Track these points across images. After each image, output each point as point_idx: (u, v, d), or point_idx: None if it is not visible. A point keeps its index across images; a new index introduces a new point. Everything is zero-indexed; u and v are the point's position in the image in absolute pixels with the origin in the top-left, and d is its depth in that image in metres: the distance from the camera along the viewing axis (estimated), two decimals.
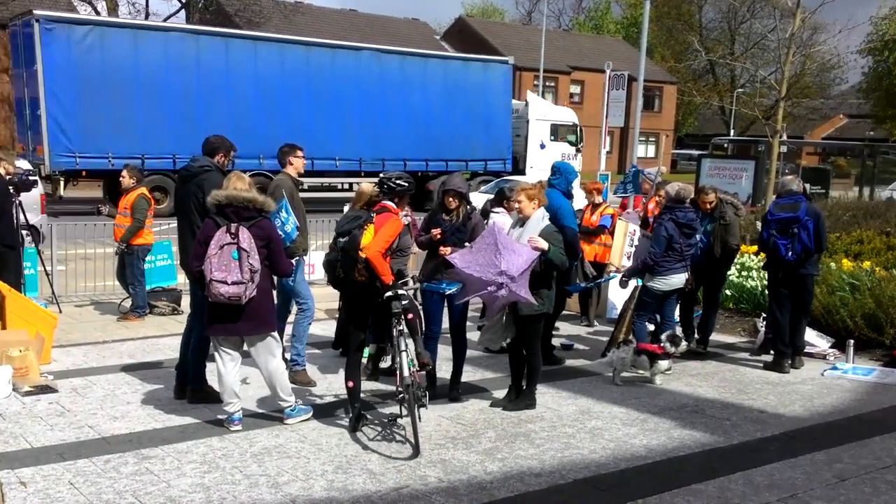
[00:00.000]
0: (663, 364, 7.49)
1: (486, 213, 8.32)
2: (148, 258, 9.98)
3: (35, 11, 18.49)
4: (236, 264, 5.61)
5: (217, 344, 5.94)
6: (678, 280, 7.80)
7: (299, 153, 7.48)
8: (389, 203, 6.27)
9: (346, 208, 9.48)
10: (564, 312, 9.22)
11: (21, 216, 8.91)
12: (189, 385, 6.60)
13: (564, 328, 9.70)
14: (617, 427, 6.29)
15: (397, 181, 6.36)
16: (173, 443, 5.66)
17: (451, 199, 6.88)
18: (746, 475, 5.35)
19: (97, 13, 36.86)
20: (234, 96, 20.19)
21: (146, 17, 38.34)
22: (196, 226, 6.47)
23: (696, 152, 45.24)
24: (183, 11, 38.79)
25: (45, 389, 6.73)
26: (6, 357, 6.73)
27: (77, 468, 5.17)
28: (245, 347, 6.05)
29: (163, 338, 8.71)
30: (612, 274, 9.95)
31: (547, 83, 45.07)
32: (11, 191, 8.72)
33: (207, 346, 6.67)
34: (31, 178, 9.57)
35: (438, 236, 6.83)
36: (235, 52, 20.83)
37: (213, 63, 20.34)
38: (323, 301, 10.12)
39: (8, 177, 8.81)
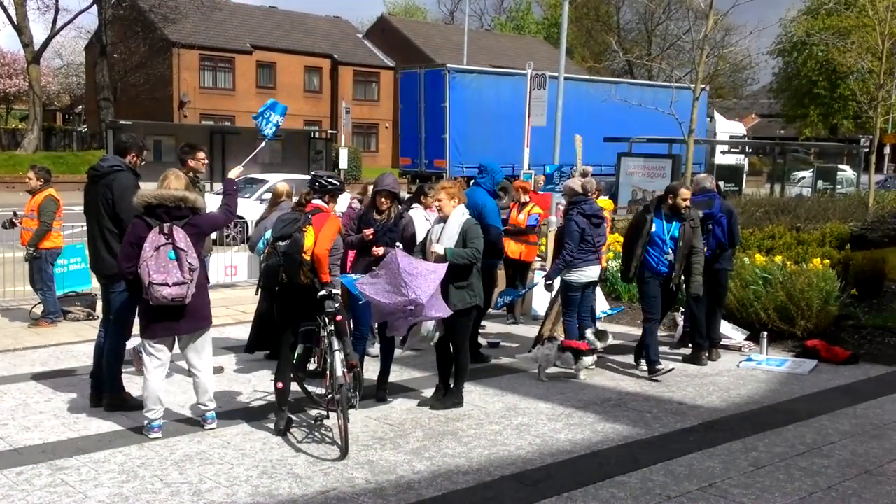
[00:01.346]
0: (587, 360, 7.62)
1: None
2: (61, 262, 9.62)
3: (448, 65, 26.93)
4: (175, 265, 5.50)
5: (148, 347, 5.76)
6: (594, 272, 7.99)
7: (199, 154, 7.33)
8: (321, 202, 6.20)
9: (262, 209, 9.36)
10: (491, 311, 9.28)
11: None
12: (105, 392, 6.38)
13: (491, 326, 9.77)
14: (543, 423, 6.37)
15: (328, 179, 6.31)
16: (89, 452, 5.47)
17: (383, 198, 6.85)
18: (667, 466, 5.49)
19: (4, 9, 35.36)
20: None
21: (56, 14, 36.96)
22: (106, 228, 6.27)
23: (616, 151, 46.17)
24: (95, 7, 37.43)
25: None
26: None
27: None
28: (174, 349, 5.90)
29: (77, 344, 8.40)
30: (538, 271, 10.11)
31: None
32: None
33: (122, 352, 6.48)
34: None
35: (371, 236, 6.79)
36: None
37: None
38: (244, 303, 9.95)
39: None
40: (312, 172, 6.56)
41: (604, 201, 9.83)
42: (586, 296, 8.15)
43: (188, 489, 4.94)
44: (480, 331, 8.72)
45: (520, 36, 65.99)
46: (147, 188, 5.96)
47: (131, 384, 6.66)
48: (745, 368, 8.15)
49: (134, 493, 4.87)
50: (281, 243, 5.89)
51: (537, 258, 10.45)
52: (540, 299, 10.27)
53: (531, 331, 9.42)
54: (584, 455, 5.71)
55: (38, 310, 9.40)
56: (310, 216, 6.02)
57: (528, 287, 9.84)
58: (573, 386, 7.43)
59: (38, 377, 7.22)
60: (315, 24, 49.58)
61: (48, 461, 5.30)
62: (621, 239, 12.66)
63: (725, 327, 8.88)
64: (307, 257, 5.84)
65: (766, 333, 8.62)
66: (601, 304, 9.48)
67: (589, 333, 7.74)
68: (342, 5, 59.46)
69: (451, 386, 6.75)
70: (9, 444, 5.59)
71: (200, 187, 7.58)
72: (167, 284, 5.48)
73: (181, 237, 5.57)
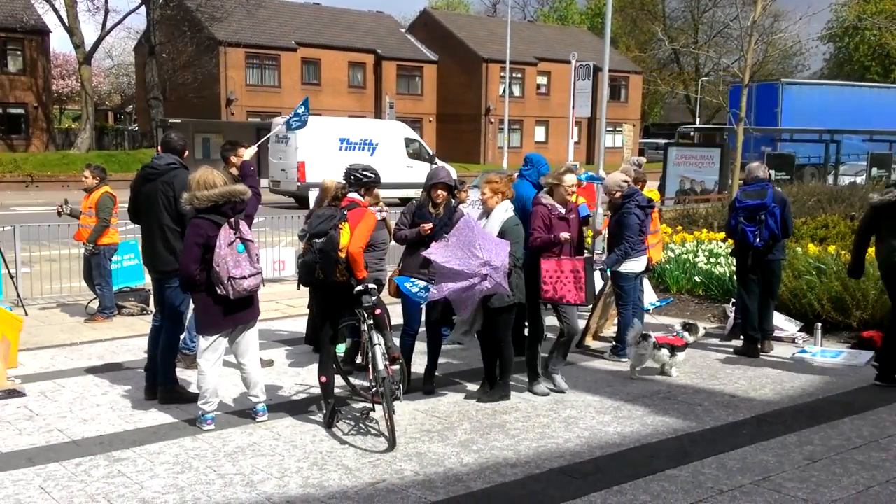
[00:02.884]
0: (681, 356, 7.47)
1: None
2: (115, 258, 9.84)
3: (783, 80, 35.15)
4: (245, 257, 5.65)
5: (205, 341, 5.86)
6: (644, 262, 7.91)
7: (241, 151, 7.41)
8: (357, 196, 6.22)
9: (311, 203, 9.42)
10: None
11: None
12: (160, 385, 6.52)
13: None
14: (591, 415, 6.33)
15: (364, 172, 6.31)
16: (145, 444, 5.59)
17: (440, 191, 6.72)
18: (719, 459, 5.42)
19: (56, 11, 36.23)
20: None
21: (105, 15, 37.72)
22: (165, 225, 6.38)
23: (662, 141, 45.62)
24: (143, 7, 38.15)
25: (13, 393, 6.60)
26: None
27: (48, 472, 5.08)
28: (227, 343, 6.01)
29: (132, 338, 8.59)
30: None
31: (514, 75, 45.15)
32: None
33: (177, 346, 6.61)
34: None
35: (429, 231, 6.66)
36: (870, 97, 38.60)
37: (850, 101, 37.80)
38: (292, 297, 10.07)
39: None
40: (347, 166, 6.55)
41: (650, 192, 9.71)
42: (636, 287, 8.06)
43: (241, 480, 5.03)
44: (526, 323, 8.67)
45: (563, 26, 65.48)
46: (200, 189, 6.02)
47: (184, 377, 6.80)
48: (798, 360, 7.99)
49: (188, 483, 4.97)
50: (317, 240, 5.91)
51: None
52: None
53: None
54: (633, 448, 5.66)
55: (94, 305, 9.64)
56: (345, 212, 6.04)
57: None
58: (621, 378, 7.37)
59: (95, 371, 7.41)
60: (358, 20, 49.82)
61: (105, 453, 5.43)
62: (669, 230, 12.58)
63: (778, 318, 8.71)
64: (343, 255, 5.86)
65: (820, 324, 8.44)
66: (650, 296, 9.37)
67: (679, 327, 7.64)
68: (385, 1, 59.65)
69: (498, 379, 6.75)
70: (67, 436, 5.75)
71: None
72: (245, 277, 5.63)
73: (246, 229, 5.74)
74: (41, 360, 7.73)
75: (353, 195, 6.22)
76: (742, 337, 8.42)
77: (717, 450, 5.58)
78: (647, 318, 8.53)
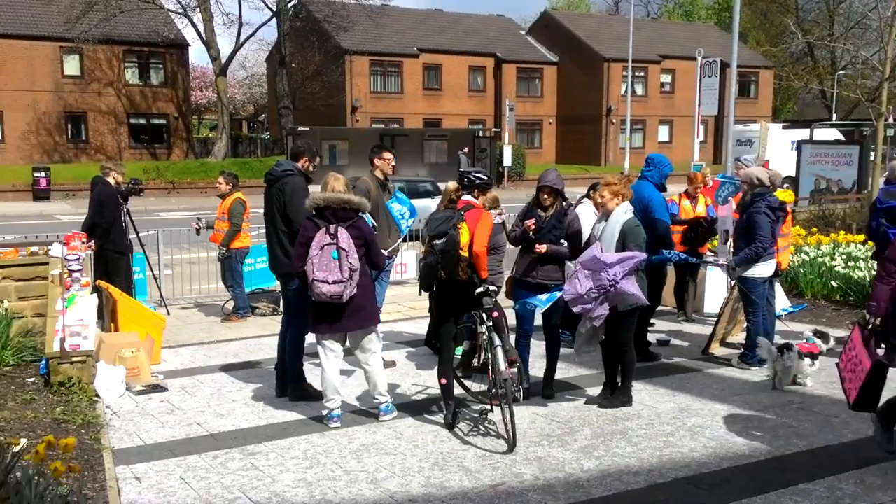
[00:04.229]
0: (816, 365, 7.16)
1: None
2: (248, 261, 10.32)
3: None
4: (336, 264, 5.78)
5: (321, 342, 6.09)
6: (772, 266, 7.57)
7: (386, 155, 7.64)
8: (471, 198, 6.30)
9: (433, 206, 9.57)
10: (660, 308, 9.03)
11: (130, 223, 9.37)
12: (289, 383, 6.80)
13: (660, 324, 9.50)
14: (718, 425, 6.13)
15: (477, 175, 6.40)
16: (276, 439, 5.85)
17: (545, 195, 6.78)
18: (858, 474, 5.14)
19: (194, 26, 38.30)
20: None
21: (239, 28, 39.60)
22: (280, 229, 6.65)
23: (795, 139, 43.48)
24: (275, 20, 39.80)
25: (156, 388, 7.05)
26: (119, 358, 7.09)
27: (187, 464, 5.40)
28: (346, 344, 6.20)
29: (264, 337, 8.99)
30: (709, 267, 9.70)
31: (636, 73, 44.25)
32: (120, 200, 9.20)
33: (303, 345, 6.86)
34: (137, 186, 10.05)
35: (532, 227, 6.74)
36: None
37: None
38: (413, 300, 10.25)
39: (118, 186, 9.28)
40: (461, 169, 6.64)
41: (784, 193, 9.29)
42: (765, 292, 7.73)
43: (365, 477, 5.17)
44: (649, 328, 8.51)
45: (689, 22, 63.56)
46: (314, 191, 6.29)
47: (311, 375, 7.06)
48: None
49: (316, 478, 5.16)
50: (437, 241, 6.01)
51: (709, 252, 10.04)
52: (713, 296, 9.88)
53: (702, 329, 9.09)
54: (764, 460, 5.44)
55: (230, 305, 10.15)
56: (462, 213, 6.12)
57: (686, 257, 9.15)
58: (751, 387, 7.10)
59: (230, 368, 7.80)
60: (478, 24, 50.10)
61: (240, 446, 5.72)
62: (803, 232, 12.00)
63: None
64: (464, 253, 5.94)
65: None
66: (782, 301, 8.97)
67: (810, 334, 7.33)
68: (506, 4, 59.72)
69: (619, 384, 6.64)
70: (206, 430, 6.08)
71: (390, 188, 7.85)
72: (326, 282, 5.76)
73: (344, 238, 5.84)
74: (182, 357, 8.21)
75: (468, 197, 6.31)
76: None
77: (856, 464, 5.29)
78: (779, 325, 8.17)
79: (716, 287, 9.88)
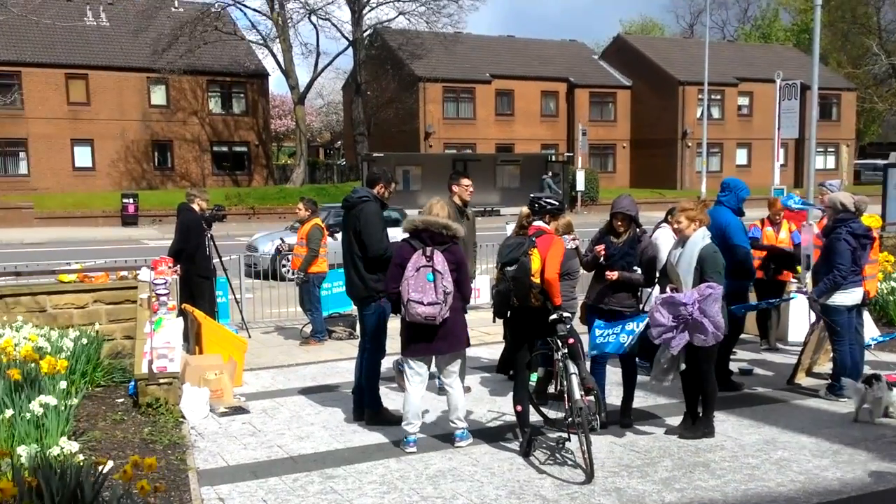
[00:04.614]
0: None
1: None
2: (325, 285, 10.50)
3: None
4: (431, 286, 5.86)
5: (409, 364, 6.15)
6: (858, 294, 7.30)
7: (464, 181, 7.71)
8: (542, 224, 6.29)
9: (508, 230, 9.59)
10: (743, 336, 8.80)
11: (214, 248, 9.67)
12: (366, 407, 6.87)
13: (743, 353, 9.25)
14: (806, 458, 5.93)
15: (547, 200, 6.39)
16: (354, 463, 5.91)
17: (619, 222, 6.71)
18: None
19: (274, 56, 39.45)
20: None
21: (317, 58, 40.60)
22: (355, 254, 6.75)
23: (881, 162, 41.98)
24: (351, 49, 40.70)
25: (239, 410, 7.22)
26: (203, 380, 7.30)
27: (269, 486, 5.50)
28: (432, 367, 6.24)
29: (341, 361, 9.11)
30: (793, 293, 9.43)
31: (713, 96, 43.50)
32: (205, 225, 9.52)
33: (379, 370, 6.93)
34: (220, 212, 10.38)
35: (602, 252, 6.65)
36: None
37: None
38: (487, 325, 10.24)
39: (202, 212, 9.60)
40: (532, 195, 6.64)
41: (870, 218, 8.97)
42: (851, 321, 7.46)
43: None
44: (731, 357, 8.29)
45: (766, 44, 62.28)
46: (412, 214, 6.39)
47: (388, 400, 7.12)
48: None
49: (394, 503, 5.19)
50: (509, 268, 6.00)
51: (792, 279, 9.75)
52: (797, 324, 9.58)
53: (787, 358, 8.81)
54: (856, 496, 5.23)
55: (308, 329, 10.34)
56: (534, 239, 6.10)
57: (768, 303, 8.95)
58: (840, 419, 6.84)
59: (309, 391, 7.93)
60: (551, 50, 50.16)
61: (319, 469, 5.79)
62: (892, 258, 11.54)
63: None
64: (536, 280, 5.92)
65: None
66: (871, 330, 8.64)
67: None
68: (579, 29, 59.72)
69: (700, 414, 6.49)
70: (286, 453, 6.19)
71: (468, 214, 7.92)
72: (422, 303, 5.84)
73: (440, 261, 5.92)
74: (262, 380, 8.39)
75: (539, 223, 6.30)
76: None
77: None
78: (868, 355, 7.86)
79: (800, 315, 9.57)
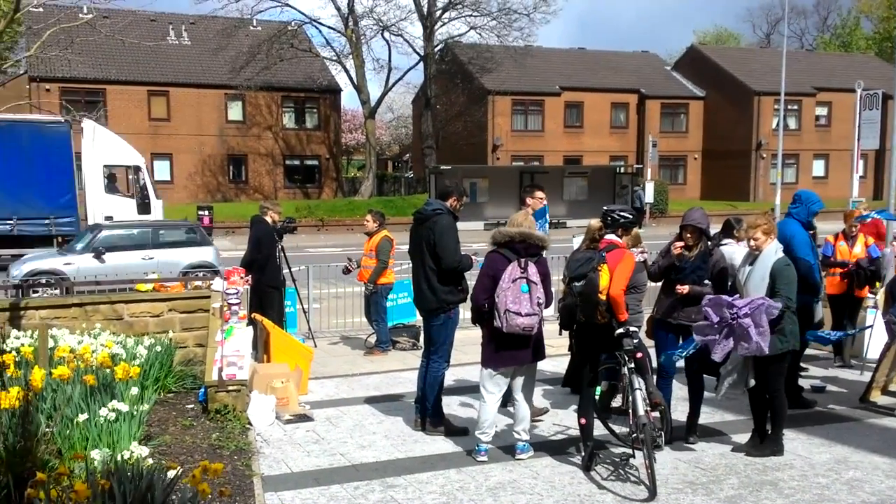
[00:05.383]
0: None
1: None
2: (390, 296, 10.62)
3: None
4: (526, 297, 5.91)
5: (491, 374, 6.18)
6: None
7: (538, 194, 7.72)
8: (615, 238, 6.22)
9: (574, 244, 9.53)
10: (816, 352, 8.54)
11: (284, 259, 9.89)
12: (428, 418, 6.92)
13: (815, 369, 8.98)
14: (879, 479, 5.72)
15: (621, 213, 6.32)
16: (415, 472, 5.96)
17: (689, 234, 6.56)
18: None
19: (346, 71, 40.14)
20: None
21: (388, 73, 41.15)
22: (428, 266, 6.81)
23: None
24: (421, 63, 41.12)
25: (303, 418, 7.36)
26: (270, 388, 7.46)
27: (330, 493, 5.59)
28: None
29: (404, 371, 9.20)
30: (870, 308, 9.11)
31: (789, 107, 42.31)
32: (276, 237, 9.76)
33: (442, 381, 6.96)
34: (291, 224, 10.62)
35: (679, 249, 6.52)
36: None
37: None
38: (552, 337, 10.18)
39: (274, 224, 9.85)
40: (605, 207, 6.58)
41: None
42: None
43: None
44: (803, 374, 8.06)
45: (847, 54, 60.37)
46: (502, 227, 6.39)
47: (449, 410, 7.15)
48: None
49: None
50: (576, 283, 5.96)
51: (869, 295, 9.42)
52: (874, 341, 9.23)
53: (861, 376, 8.51)
54: None
55: (373, 339, 10.47)
56: (604, 254, 6.05)
57: (846, 334, 8.70)
58: None
59: (372, 400, 8.03)
60: (622, 61, 49.68)
61: (380, 478, 5.86)
62: None
63: None
64: (603, 297, 5.87)
65: None
66: None
67: None
68: (651, 41, 59.08)
69: (768, 432, 6.32)
70: (348, 461, 6.28)
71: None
72: (521, 314, 5.87)
73: (534, 272, 5.96)
74: (327, 389, 8.54)
75: (611, 237, 6.23)
76: None
77: None
78: None
79: (878, 330, 9.23)
